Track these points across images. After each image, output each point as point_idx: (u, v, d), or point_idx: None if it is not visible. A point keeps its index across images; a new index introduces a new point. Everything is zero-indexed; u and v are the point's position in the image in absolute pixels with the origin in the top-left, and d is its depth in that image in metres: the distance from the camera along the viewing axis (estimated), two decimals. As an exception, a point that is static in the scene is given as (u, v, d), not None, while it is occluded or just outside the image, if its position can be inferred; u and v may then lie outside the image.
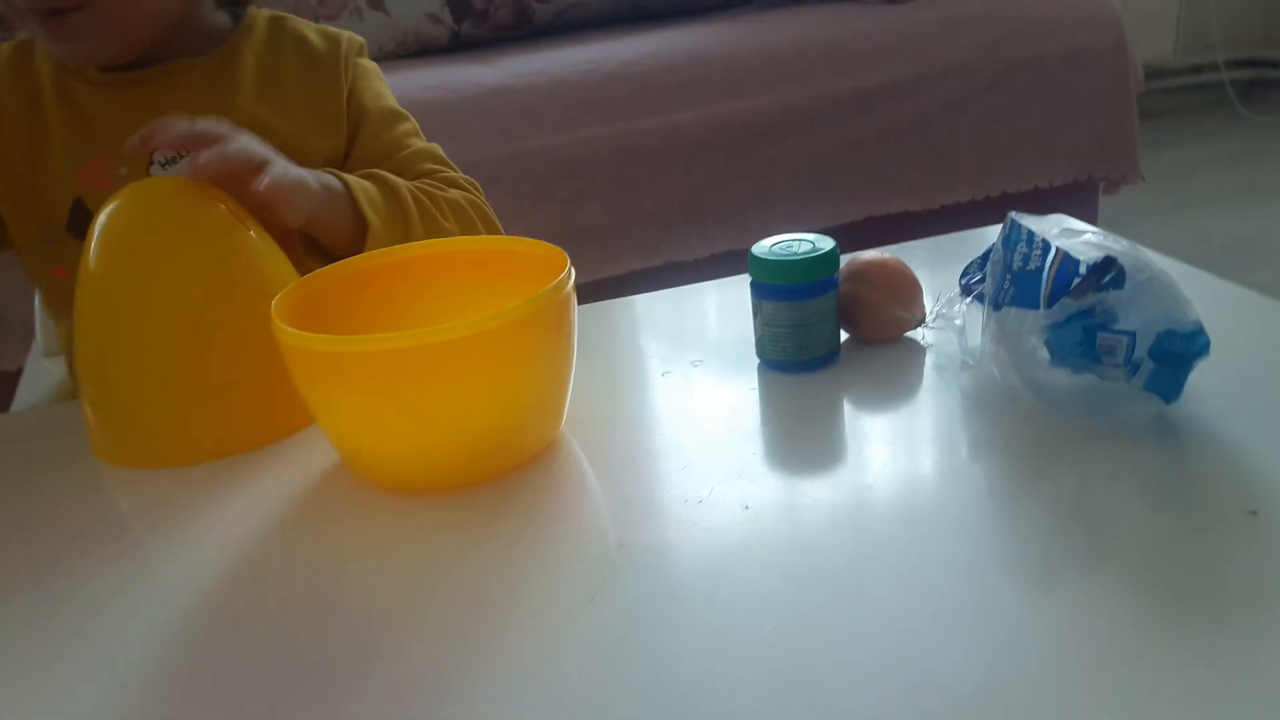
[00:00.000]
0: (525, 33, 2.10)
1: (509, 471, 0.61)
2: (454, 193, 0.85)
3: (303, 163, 0.76)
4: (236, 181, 0.69)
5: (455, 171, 0.90)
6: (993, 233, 0.86)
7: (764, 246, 0.69)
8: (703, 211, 1.77)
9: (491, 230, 0.87)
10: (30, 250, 0.85)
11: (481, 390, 0.59)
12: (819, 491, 0.57)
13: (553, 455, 0.63)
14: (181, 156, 0.80)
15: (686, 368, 0.73)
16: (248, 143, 0.71)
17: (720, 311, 0.83)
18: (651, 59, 1.77)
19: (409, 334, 0.56)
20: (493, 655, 0.46)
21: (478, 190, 0.89)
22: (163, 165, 0.81)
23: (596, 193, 1.72)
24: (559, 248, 0.63)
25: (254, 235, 0.69)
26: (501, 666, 0.46)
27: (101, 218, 0.67)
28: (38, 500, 0.65)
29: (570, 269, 0.61)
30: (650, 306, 0.85)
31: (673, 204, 1.75)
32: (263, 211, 0.71)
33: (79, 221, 0.81)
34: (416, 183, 0.84)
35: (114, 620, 0.52)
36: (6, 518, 0.63)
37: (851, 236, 1.70)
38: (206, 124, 0.70)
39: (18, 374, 1.21)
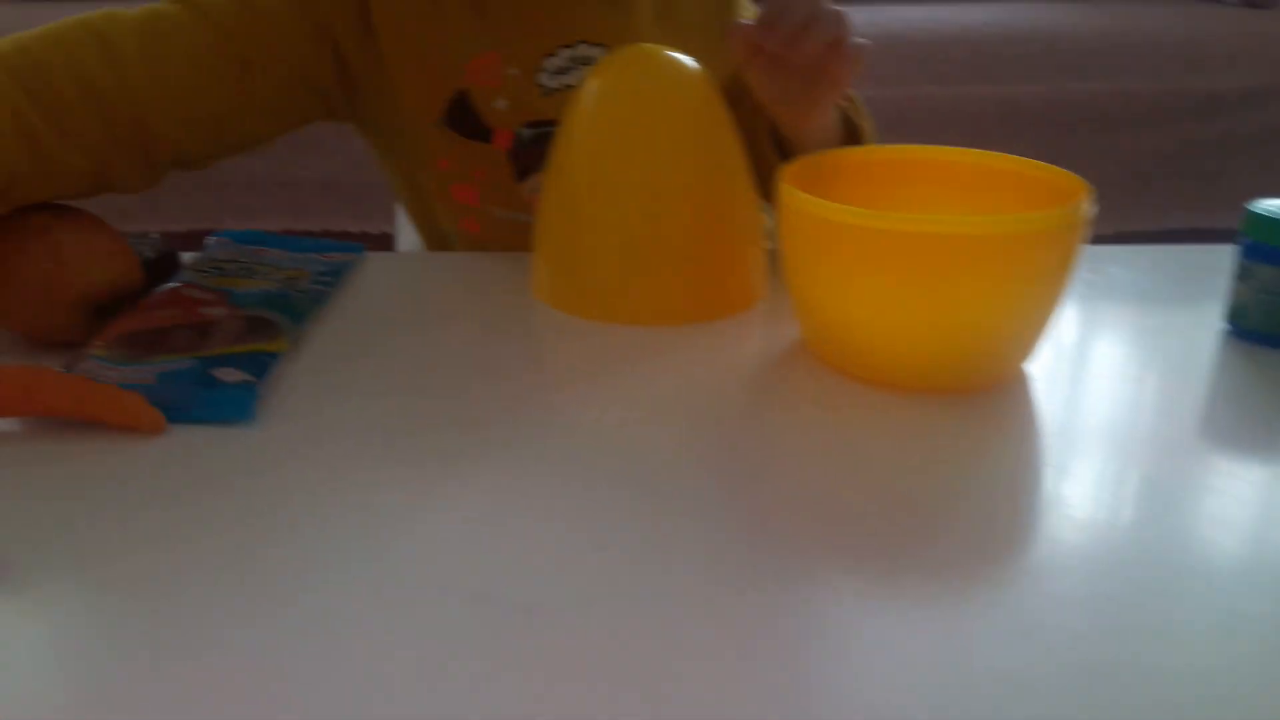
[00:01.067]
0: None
1: (977, 389, 0.59)
2: None
3: None
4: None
5: None
6: None
7: (1268, 204, 0.64)
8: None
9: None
10: (415, 132, 0.81)
11: (987, 294, 0.57)
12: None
13: (1019, 383, 0.60)
14: (573, 67, 0.77)
15: (1143, 327, 0.69)
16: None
17: (1172, 276, 0.79)
18: (990, 27, 1.71)
19: (934, 219, 0.55)
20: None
21: None
22: (553, 73, 0.78)
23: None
24: (1080, 178, 0.60)
25: (725, 114, 0.69)
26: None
27: (594, 80, 0.68)
28: (492, 340, 0.67)
29: (1093, 196, 0.58)
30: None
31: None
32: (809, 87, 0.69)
33: (458, 116, 0.78)
34: None
35: (545, 468, 0.52)
36: (463, 360, 0.66)
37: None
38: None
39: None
